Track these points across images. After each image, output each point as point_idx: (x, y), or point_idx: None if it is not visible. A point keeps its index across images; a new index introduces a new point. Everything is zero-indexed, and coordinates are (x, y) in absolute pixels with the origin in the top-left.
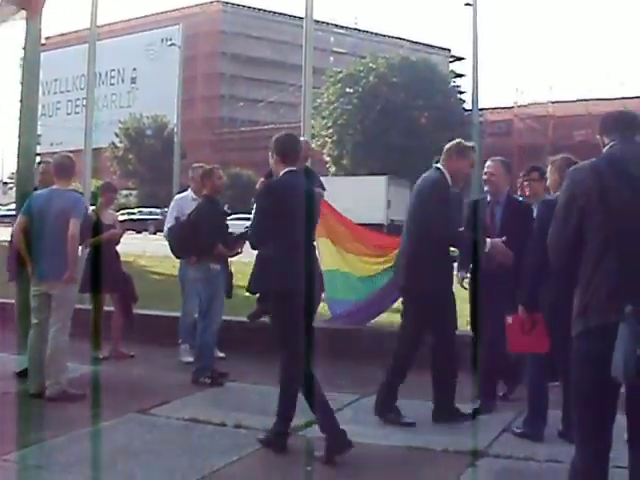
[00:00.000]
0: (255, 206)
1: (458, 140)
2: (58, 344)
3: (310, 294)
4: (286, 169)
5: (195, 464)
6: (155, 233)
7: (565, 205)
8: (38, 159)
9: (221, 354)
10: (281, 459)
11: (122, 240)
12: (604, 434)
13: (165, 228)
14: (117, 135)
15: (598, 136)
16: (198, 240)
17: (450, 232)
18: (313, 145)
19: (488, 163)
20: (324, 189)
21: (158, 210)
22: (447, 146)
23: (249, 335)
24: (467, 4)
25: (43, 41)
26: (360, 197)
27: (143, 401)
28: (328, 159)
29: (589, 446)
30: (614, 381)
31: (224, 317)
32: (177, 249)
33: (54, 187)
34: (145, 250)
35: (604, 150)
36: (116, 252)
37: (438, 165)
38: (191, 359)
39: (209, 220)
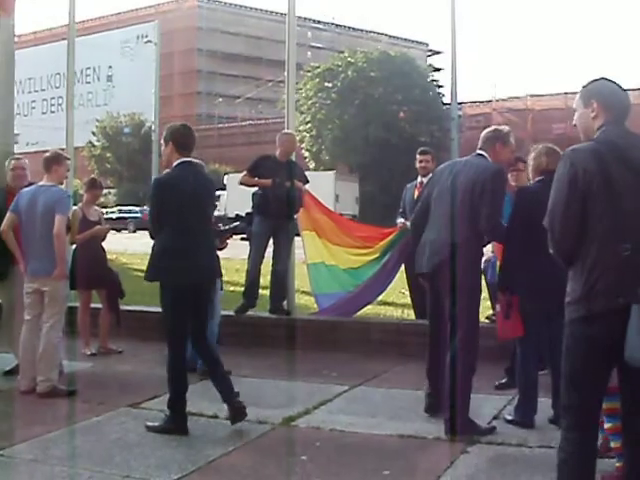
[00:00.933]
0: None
1: (494, 127)
2: (51, 341)
3: (199, 284)
4: (180, 159)
5: (191, 455)
6: (135, 231)
7: (568, 187)
8: None
9: None
10: (276, 449)
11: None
12: (593, 419)
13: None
14: (94, 134)
15: (587, 102)
16: None
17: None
18: None
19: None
20: (307, 182)
21: (137, 208)
22: (486, 134)
23: (237, 329)
24: None
25: (15, 39)
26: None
27: (134, 396)
28: (307, 154)
29: (577, 432)
30: (611, 365)
31: None
32: None
33: (41, 183)
34: (126, 248)
35: (598, 132)
36: (102, 248)
37: (483, 153)
38: None
39: None
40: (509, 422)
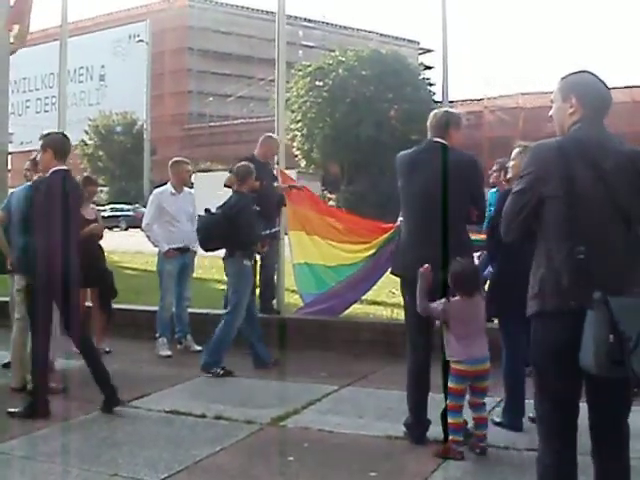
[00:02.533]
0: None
1: (445, 109)
2: None
3: (67, 283)
4: (56, 167)
5: (178, 455)
6: (127, 229)
7: (527, 181)
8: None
9: (198, 347)
10: (264, 450)
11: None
12: (567, 427)
13: (144, 222)
14: (87, 132)
15: (565, 96)
16: (239, 235)
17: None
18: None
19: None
20: (276, 181)
21: (129, 207)
22: (435, 116)
23: None
24: None
25: (11, 40)
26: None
27: (123, 394)
28: (298, 153)
29: (553, 440)
30: (576, 370)
31: (201, 309)
32: (209, 242)
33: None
34: (118, 246)
35: (572, 128)
36: (99, 247)
37: (440, 140)
38: (169, 352)
39: (250, 217)
40: (497, 424)
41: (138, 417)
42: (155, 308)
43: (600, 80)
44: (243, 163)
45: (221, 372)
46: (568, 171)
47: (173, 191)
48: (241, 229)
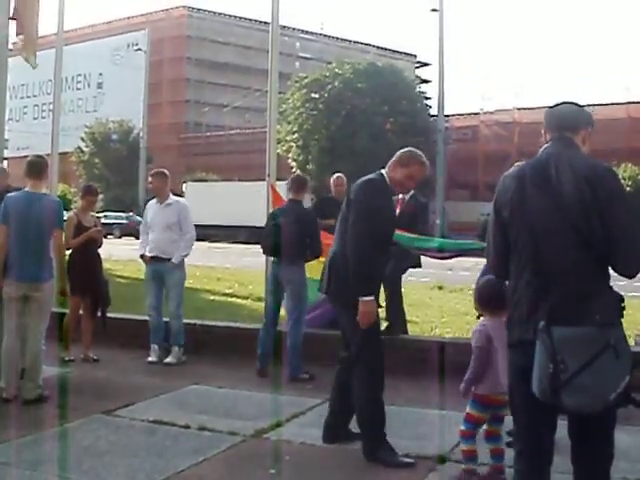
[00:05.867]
0: None
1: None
2: (39, 347)
3: None
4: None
5: (159, 465)
6: (121, 237)
7: (493, 214)
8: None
9: (169, 359)
10: (246, 461)
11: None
12: (539, 446)
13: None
14: (83, 140)
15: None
16: (311, 243)
17: None
18: (279, 150)
19: None
20: None
21: (123, 215)
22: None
23: (213, 338)
24: (433, 10)
25: (10, 46)
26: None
27: (108, 403)
28: (294, 164)
29: (526, 456)
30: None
31: (188, 320)
32: (276, 250)
33: (27, 189)
34: (111, 254)
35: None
36: (98, 255)
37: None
38: (152, 359)
39: (316, 225)
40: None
41: (122, 426)
42: (143, 317)
43: (571, 103)
44: (298, 174)
45: (307, 376)
46: (521, 195)
47: (156, 201)
48: (314, 236)
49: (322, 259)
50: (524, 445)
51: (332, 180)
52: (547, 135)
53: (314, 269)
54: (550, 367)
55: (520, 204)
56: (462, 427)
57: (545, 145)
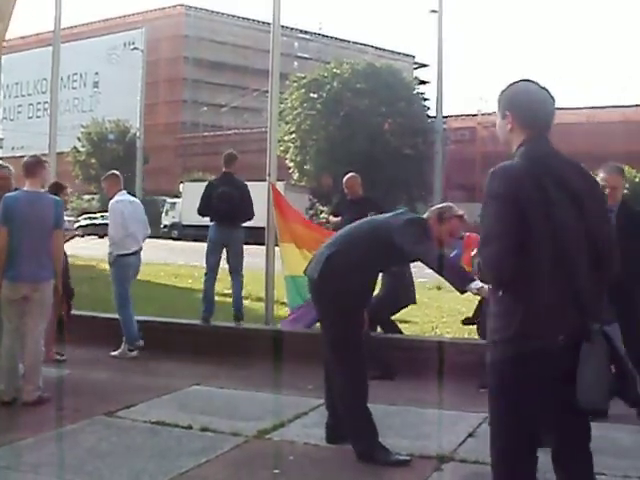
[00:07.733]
0: None
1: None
2: (40, 348)
3: None
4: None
5: (163, 466)
6: None
7: (505, 212)
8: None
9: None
10: (249, 462)
11: (84, 244)
12: (532, 466)
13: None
14: (79, 139)
15: (503, 113)
16: (245, 207)
17: None
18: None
19: (602, 175)
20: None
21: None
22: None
23: (217, 340)
24: (432, 11)
25: (4, 44)
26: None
27: (109, 404)
28: (291, 164)
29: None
30: (549, 406)
31: (189, 320)
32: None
33: (25, 188)
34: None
35: (520, 149)
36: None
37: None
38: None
39: (248, 192)
40: None
41: (124, 427)
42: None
43: (542, 88)
44: (230, 151)
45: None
46: (545, 196)
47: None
48: (248, 202)
49: (306, 252)
50: (514, 466)
51: (345, 180)
52: (516, 126)
53: (294, 266)
54: (612, 368)
55: (546, 206)
56: None
57: (526, 145)
